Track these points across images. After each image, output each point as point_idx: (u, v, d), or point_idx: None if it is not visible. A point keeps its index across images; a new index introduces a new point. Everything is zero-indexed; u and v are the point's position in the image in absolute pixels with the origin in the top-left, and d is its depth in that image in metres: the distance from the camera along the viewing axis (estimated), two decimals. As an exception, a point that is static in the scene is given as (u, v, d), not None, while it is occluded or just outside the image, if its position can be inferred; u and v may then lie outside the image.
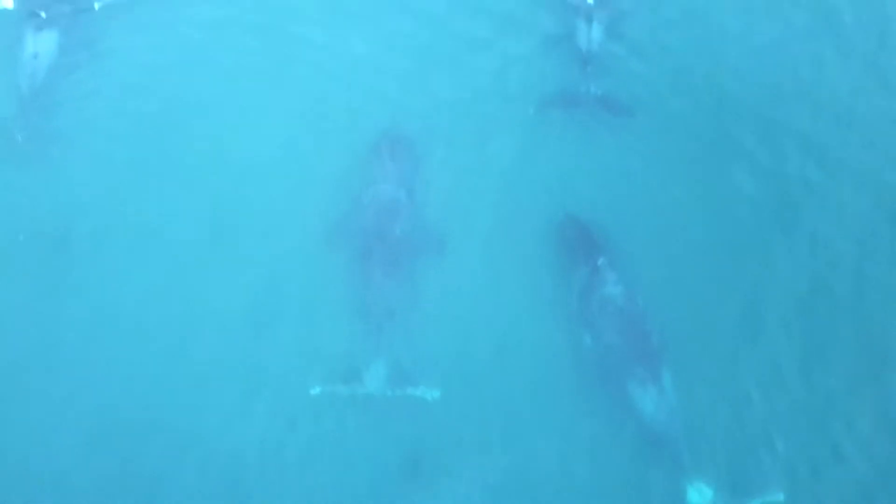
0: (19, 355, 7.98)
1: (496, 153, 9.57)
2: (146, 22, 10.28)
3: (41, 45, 9.83)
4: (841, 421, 7.81)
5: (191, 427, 7.72)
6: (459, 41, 10.56)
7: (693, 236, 8.89)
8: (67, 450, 7.53)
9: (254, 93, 9.82)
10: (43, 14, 9.99)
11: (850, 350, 8.17)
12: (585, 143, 9.65)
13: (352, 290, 8.34)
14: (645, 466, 7.58)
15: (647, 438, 7.65)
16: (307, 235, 8.73)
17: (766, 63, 10.25)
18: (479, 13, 10.81)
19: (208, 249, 8.67)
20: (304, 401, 7.74)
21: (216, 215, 8.90)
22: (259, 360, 8.06)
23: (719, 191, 9.21)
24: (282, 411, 7.79)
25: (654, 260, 8.66)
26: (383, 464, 7.56)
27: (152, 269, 8.51)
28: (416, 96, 10.00)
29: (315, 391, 7.69)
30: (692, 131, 9.77)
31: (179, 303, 8.35)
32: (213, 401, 7.83)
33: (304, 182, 9.14)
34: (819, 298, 8.47)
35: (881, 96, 10.00)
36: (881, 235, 8.91)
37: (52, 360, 7.96)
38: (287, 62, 10.10)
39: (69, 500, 7.40)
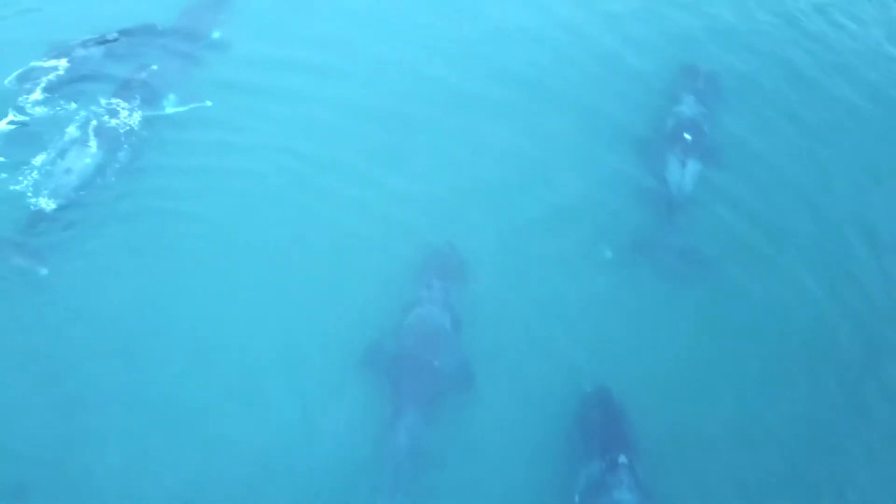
0: None
1: (552, 295, 8.44)
2: (191, 166, 9.21)
3: (79, 159, 8.81)
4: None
5: None
6: (538, 166, 9.62)
7: (741, 452, 7.33)
8: None
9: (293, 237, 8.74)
10: (94, 122, 9.09)
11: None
12: (648, 310, 8.35)
13: (376, 422, 7.49)
14: None
15: None
16: (341, 354, 7.84)
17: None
18: (558, 132, 9.94)
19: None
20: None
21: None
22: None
23: (785, 400, 7.66)
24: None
25: (685, 469, 7.16)
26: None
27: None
28: (476, 218, 9.07)
29: None
30: (772, 313, 8.29)
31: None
32: None
33: (344, 294, 8.28)
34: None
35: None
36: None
37: None
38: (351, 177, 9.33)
39: None
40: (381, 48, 10.79)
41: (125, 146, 9.10)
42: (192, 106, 9.70)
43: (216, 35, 10.55)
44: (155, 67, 9.88)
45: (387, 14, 11.31)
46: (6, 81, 9.49)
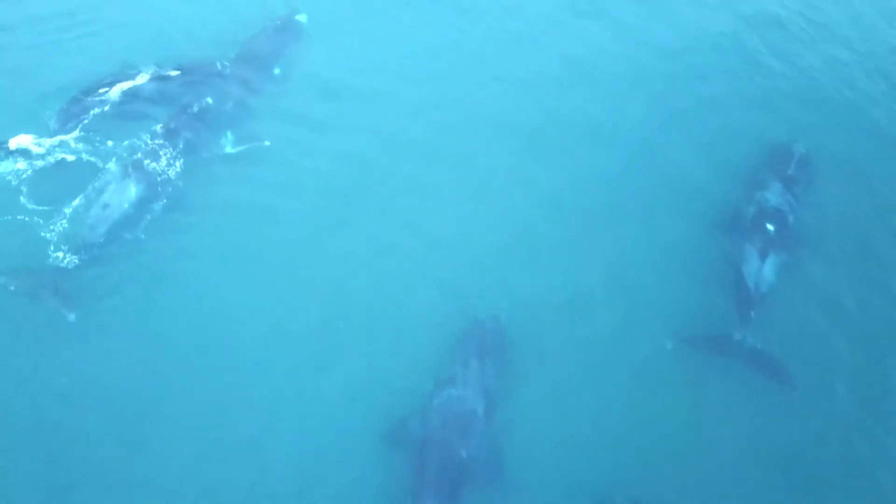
0: None
1: (597, 384, 7.73)
2: (231, 206, 8.81)
3: (117, 195, 8.51)
4: None
5: None
6: (594, 226, 8.90)
7: None
8: None
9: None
10: (139, 155, 8.80)
11: None
12: (702, 418, 7.53)
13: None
14: None
15: None
16: (362, 431, 7.36)
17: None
18: (621, 192, 9.22)
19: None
20: None
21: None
22: None
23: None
24: None
25: None
26: None
27: None
28: (518, 278, 8.42)
29: None
30: (850, 443, 7.27)
31: None
32: None
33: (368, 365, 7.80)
34: None
35: None
36: None
37: None
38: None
39: None
40: (442, 84, 10.33)
41: (165, 186, 8.78)
42: (249, 145, 9.33)
43: (277, 71, 10.20)
44: (210, 101, 9.54)
45: (454, 51, 10.82)
46: (51, 117, 9.27)
